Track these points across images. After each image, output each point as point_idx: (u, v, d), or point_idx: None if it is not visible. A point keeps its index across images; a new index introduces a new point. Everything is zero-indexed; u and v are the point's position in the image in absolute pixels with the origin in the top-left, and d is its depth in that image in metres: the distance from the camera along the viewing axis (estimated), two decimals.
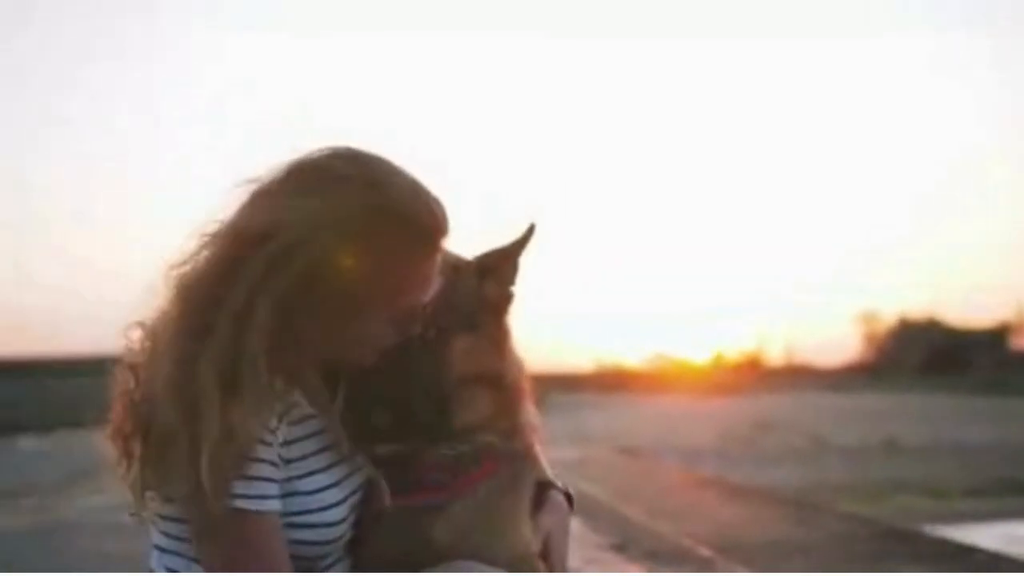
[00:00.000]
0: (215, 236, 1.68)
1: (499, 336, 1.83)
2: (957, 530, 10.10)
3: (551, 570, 1.81)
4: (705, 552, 7.01)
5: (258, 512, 1.59)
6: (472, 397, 1.78)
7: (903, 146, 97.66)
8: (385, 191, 1.66)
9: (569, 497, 1.93)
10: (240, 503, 1.58)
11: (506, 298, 1.85)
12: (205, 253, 1.67)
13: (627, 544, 7.47)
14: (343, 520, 1.72)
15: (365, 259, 1.62)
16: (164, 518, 1.69)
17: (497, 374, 1.81)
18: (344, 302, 1.63)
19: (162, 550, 1.72)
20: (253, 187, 1.69)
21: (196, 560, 1.66)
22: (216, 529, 1.59)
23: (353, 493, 1.75)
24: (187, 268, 1.68)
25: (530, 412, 1.87)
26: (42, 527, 8.63)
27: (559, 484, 1.91)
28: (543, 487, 1.89)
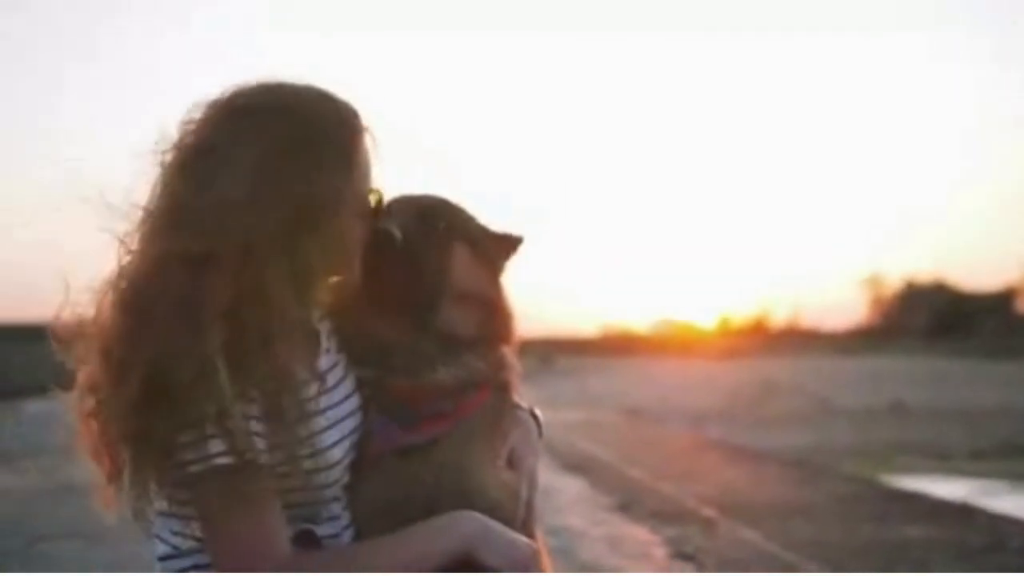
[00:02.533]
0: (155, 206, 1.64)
1: (496, 278, 1.85)
2: (961, 492, 10.13)
3: (519, 481, 1.80)
4: (709, 512, 7.04)
5: (245, 464, 1.57)
6: (465, 311, 1.79)
7: (909, 112, 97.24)
8: (290, 99, 1.67)
9: (535, 417, 1.94)
10: (224, 459, 1.56)
11: (500, 267, 1.88)
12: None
13: (632, 504, 7.49)
14: (338, 462, 1.70)
15: (302, 166, 1.62)
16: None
17: (492, 301, 1.83)
18: (301, 217, 1.61)
19: (162, 514, 1.70)
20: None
21: (194, 519, 1.65)
22: (206, 485, 1.58)
23: (348, 435, 1.73)
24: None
25: (512, 355, 1.87)
26: (48, 488, 8.69)
27: (524, 405, 1.91)
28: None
